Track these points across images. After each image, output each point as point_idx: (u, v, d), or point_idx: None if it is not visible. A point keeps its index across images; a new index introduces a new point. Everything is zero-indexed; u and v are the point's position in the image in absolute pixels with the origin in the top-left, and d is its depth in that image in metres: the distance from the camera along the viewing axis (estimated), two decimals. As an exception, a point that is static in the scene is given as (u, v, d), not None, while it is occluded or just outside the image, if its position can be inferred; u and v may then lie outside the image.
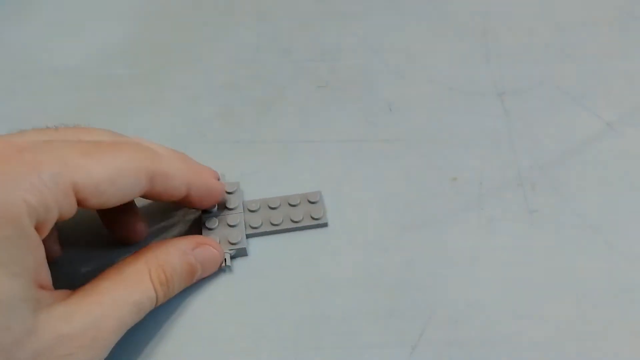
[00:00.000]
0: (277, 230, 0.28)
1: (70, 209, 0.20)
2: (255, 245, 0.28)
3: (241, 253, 0.27)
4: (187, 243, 0.25)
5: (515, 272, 0.27)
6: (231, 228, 0.28)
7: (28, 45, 0.41)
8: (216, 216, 0.28)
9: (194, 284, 0.26)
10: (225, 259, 0.27)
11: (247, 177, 0.31)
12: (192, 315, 0.26)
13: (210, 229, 0.28)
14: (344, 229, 0.29)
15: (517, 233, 0.28)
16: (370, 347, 0.24)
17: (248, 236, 0.28)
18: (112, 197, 0.21)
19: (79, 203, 0.20)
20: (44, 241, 0.24)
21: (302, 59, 0.39)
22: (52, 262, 0.23)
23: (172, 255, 0.24)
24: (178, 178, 0.24)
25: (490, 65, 0.38)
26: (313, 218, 0.28)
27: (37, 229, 0.19)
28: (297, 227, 0.28)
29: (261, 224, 0.28)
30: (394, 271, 0.27)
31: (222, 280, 0.27)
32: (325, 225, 0.29)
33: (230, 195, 0.29)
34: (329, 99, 0.36)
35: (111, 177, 0.21)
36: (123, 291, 0.22)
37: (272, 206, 0.29)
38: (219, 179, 0.29)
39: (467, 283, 0.26)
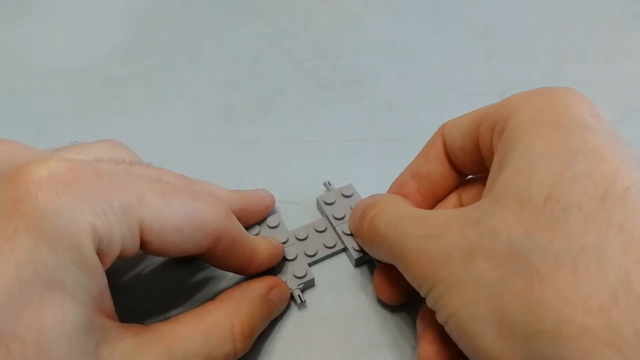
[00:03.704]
0: (333, 253, 0.27)
1: (133, 246, 0.19)
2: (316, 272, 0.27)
3: (309, 285, 0.27)
4: (264, 287, 0.24)
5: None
6: (291, 262, 0.27)
7: (28, 45, 0.41)
8: None
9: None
10: (299, 295, 0.25)
11: (247, 177, 0.31)
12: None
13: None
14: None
15: (518, 233, 0.28)
16: (371, 348, 0.24)
17: (310, 265, 0.27)
18: (175, 246, 0.20)
19: (142, 245, 0.20)
20: None
21: (302, 59, 0.39)
22: None
23: (254, 305, 0.23)
24: (243, 247, 0.23)
25: (491, 65, 0.38)
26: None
27: (100, 258, 0.18)
28: (340, 250, 0.28)
29: (317, 251, 0.27)
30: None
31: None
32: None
33: (277, 229, 0.28)
34: (329, 98, 0.36)
35: (179, 225, 0.20)
36: (199, 342, 0.20)
37: (319, 229, 0.28)
38: (274, 202, 0.29)
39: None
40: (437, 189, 0.25)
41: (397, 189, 0.25)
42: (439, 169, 0.24)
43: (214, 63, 0.39)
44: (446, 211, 0.21)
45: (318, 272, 0.27)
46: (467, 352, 0.18)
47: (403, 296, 0.25)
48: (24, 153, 0.20)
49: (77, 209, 0.17)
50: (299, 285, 0.26)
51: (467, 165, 0.24)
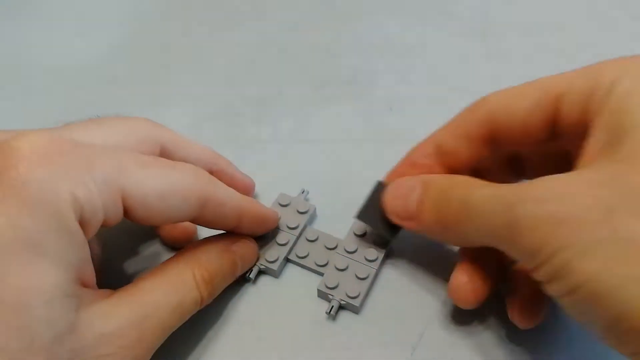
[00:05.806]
0: (316, 270, 0.27)
1: (116, 215, 0.20)
2: (293, 272, 0.27)
3: (271, 273, 0.27)
4: (226, 240, 0.25)
5: (516, 272, 0.27)
6: (277, 246, 0.27)
7: (28, 44, 0.41)
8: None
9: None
10: (250, 270, 0.26)
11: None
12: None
13: (259, 237, 0.27)
14: (345, 230, 0.29)
15: (518, 233, 0.28)
16: (371, 348, 0.24)
17: (289, 261, 0.27)
18: (159, 214, 0.21)
19: (125, 213, 0.20)
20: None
21: (302, 59, 0.39)
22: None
23: (213, 253, 0.24)
24: (230, 207, 0.23)
25: (491, 65, 0.38)
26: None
27: (82, 227, 0.19)
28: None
29: (307, 256, 0.27)
30: (395, 271, 0.27)
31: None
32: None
33: (301, 215, 0.28)
34: (329, 98, 0.36)
35: (161, 192, 0.20)
36: (165, 292, 0.21)
37: (329, 246, 0.27)
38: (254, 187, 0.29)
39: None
40: (458, 167, 0.24)
41: (417, 159, 0.26)
42: (467, 145, 0.24)
43: (213, 63, 0.39)
44: (551, 177, 0.19)
45: (297, 273, 0.27)
46: (599, 325, 0.17)
47: (487, 292, 0.23)
48: (7, 133, 0.21)
49: (57, 179, 0.18)
50: (261, 265, 0.26)
51: (521, 140, 0.23)
